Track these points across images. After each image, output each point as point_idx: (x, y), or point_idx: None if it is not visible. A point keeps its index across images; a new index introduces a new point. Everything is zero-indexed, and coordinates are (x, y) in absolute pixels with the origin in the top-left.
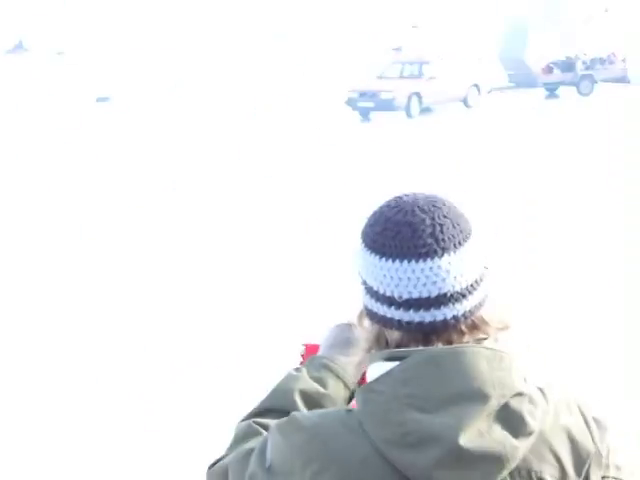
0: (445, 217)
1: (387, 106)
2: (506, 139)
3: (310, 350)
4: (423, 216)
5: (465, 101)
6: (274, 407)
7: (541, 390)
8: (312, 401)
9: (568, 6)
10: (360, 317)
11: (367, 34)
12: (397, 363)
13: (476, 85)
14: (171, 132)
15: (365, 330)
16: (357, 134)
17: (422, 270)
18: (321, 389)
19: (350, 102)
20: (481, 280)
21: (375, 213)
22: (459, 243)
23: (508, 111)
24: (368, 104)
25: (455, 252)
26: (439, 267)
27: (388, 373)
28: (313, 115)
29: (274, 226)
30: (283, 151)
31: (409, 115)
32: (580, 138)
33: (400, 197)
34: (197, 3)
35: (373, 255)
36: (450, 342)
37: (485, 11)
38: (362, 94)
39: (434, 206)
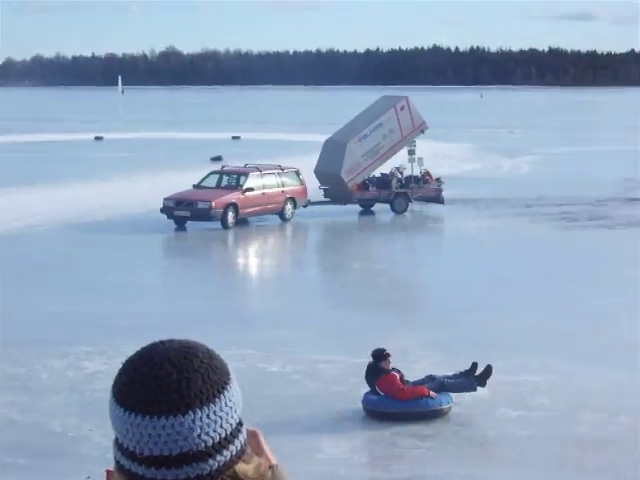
0: (195, 371)
1: (203, 216)
2: (322, 253)
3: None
4: (171, 369)
5: (282, 214)
6: None
7: None
8: None
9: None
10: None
11: (187, 142)
12: None
13: (292, 199)
14: None
15: None
16: (172, 242)
17: (163, 427)
18: None
19: (165, 210)
20: (233, 436)
21: (126, 362)
22: (207, 399)
23: (324, 226)
24: (184, 213)
25: (202, 409)
26: (181, 425)
27: None
28: (131, 223)
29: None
30: (95, 256)
31: (225, 226)
32: (393, 254)
33: (154, 345)
34: None
35: (119, 407)
36: None
37: (304, 125)
38: (178, 203)
39: (185, 358)
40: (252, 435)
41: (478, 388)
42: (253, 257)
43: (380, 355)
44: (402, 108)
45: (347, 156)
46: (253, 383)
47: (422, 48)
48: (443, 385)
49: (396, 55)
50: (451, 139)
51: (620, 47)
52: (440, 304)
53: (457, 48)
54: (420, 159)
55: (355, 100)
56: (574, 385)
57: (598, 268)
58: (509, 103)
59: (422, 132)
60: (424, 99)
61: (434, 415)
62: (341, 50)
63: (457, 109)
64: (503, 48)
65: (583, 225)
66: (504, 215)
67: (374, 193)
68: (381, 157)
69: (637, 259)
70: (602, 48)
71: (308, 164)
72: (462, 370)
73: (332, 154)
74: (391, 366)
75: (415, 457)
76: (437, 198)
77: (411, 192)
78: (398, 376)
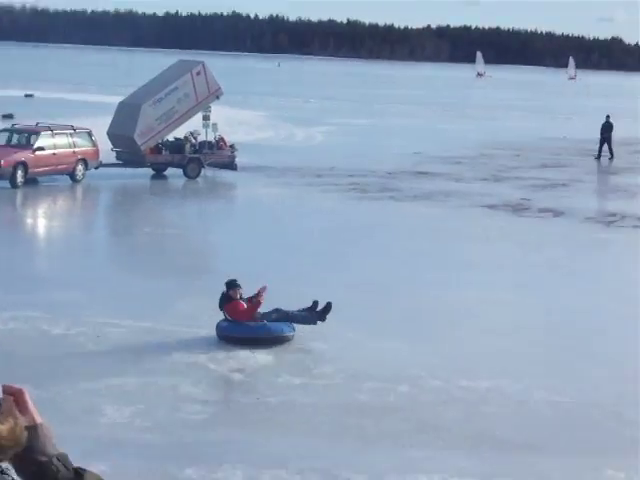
0: None
1: None
2: (112, 216)
3: None
4: None
5: (72, 175)
6: None
7: None
8: None
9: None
10: None
11: None
12: None
13: (84, 160)
14: None
15: None
16: None
17: None
18: None
19: None
20: None
21: None
22: None
23: (115, 188)
24: None
25: None
26: None
27: None
28: None
29: None
30: None
31: (13, 185)
32: (184, 219)
33: None
34: None
35: None
36: None
37: (99, 86)
38: None
39: None
40: (18, 393)
41: (318, 322)
42: (41, 218)
43: (230, 284)
44: (198, 73)
45: (141, 119)
46: (36, 345)
47: (221, 14)
48: (287, 315)
49: (194, 20)
50: (246, 106)
51: (417, 22)
52: (228, 271)
53: (257, 15)
54: (214, 125)
55: (152, 63)
56: (357, 354)
57: (385, 239)
58: (306, 73)
59: (217, 98)
60: (221, 65)
61: (278, 341)
62: (140, 12)
63: (254, 77)
64: (302, 18)
65: (373, 197)
66: (295, 184)
67: (167, 157)
68: (175, 121)
69: (422, 231)
70: (399, 23)
71: (102, 125)
72: (305, 307)
73: (126, 116)
74: (239, 296)
75: (197, 422)
76: (230, 164)
77: (204, 158)
78: (245, 305)
